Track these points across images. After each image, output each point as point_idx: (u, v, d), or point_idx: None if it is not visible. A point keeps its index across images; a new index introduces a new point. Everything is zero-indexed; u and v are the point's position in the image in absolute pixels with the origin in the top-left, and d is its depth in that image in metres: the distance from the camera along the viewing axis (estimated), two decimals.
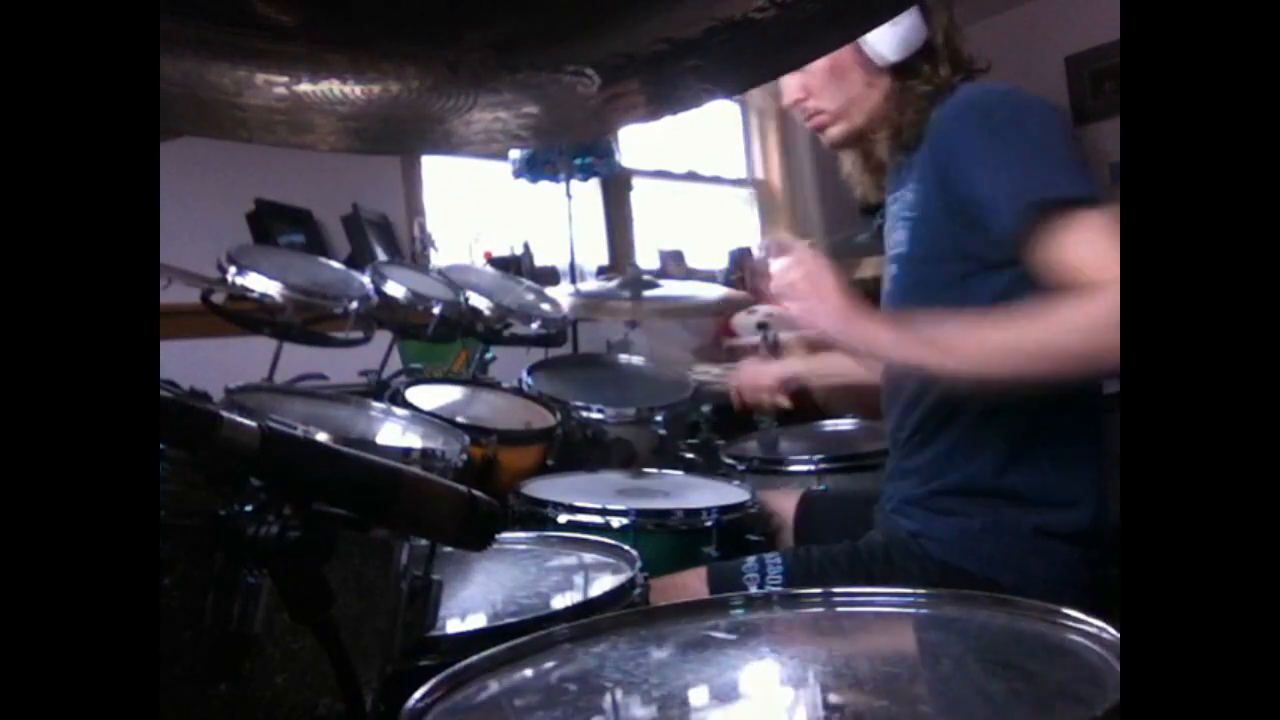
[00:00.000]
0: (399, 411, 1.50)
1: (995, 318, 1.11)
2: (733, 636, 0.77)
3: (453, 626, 0.91)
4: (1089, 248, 1.07)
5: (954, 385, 1.19)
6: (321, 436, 1.09)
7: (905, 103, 1.31)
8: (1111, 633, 0.64)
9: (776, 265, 1.26)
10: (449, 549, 0.70)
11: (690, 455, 1.94)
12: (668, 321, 3.19)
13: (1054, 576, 1.19)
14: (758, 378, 1.85)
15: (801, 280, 1.23)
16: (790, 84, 1.40)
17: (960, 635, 0.74)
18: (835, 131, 1.39)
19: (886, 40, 1.29)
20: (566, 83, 0.55)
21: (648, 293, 2.28)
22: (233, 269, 1.65)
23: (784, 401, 1.83)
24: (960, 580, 1.19)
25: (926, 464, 1.30)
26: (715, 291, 2.53)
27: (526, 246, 3.27)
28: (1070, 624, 0.69)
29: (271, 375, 1.70)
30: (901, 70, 1.31)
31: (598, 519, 1.37)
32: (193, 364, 1.62)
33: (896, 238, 1.32)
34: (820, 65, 1.34)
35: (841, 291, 1.21)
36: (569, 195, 3.00)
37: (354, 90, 0.55)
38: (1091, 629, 0.67)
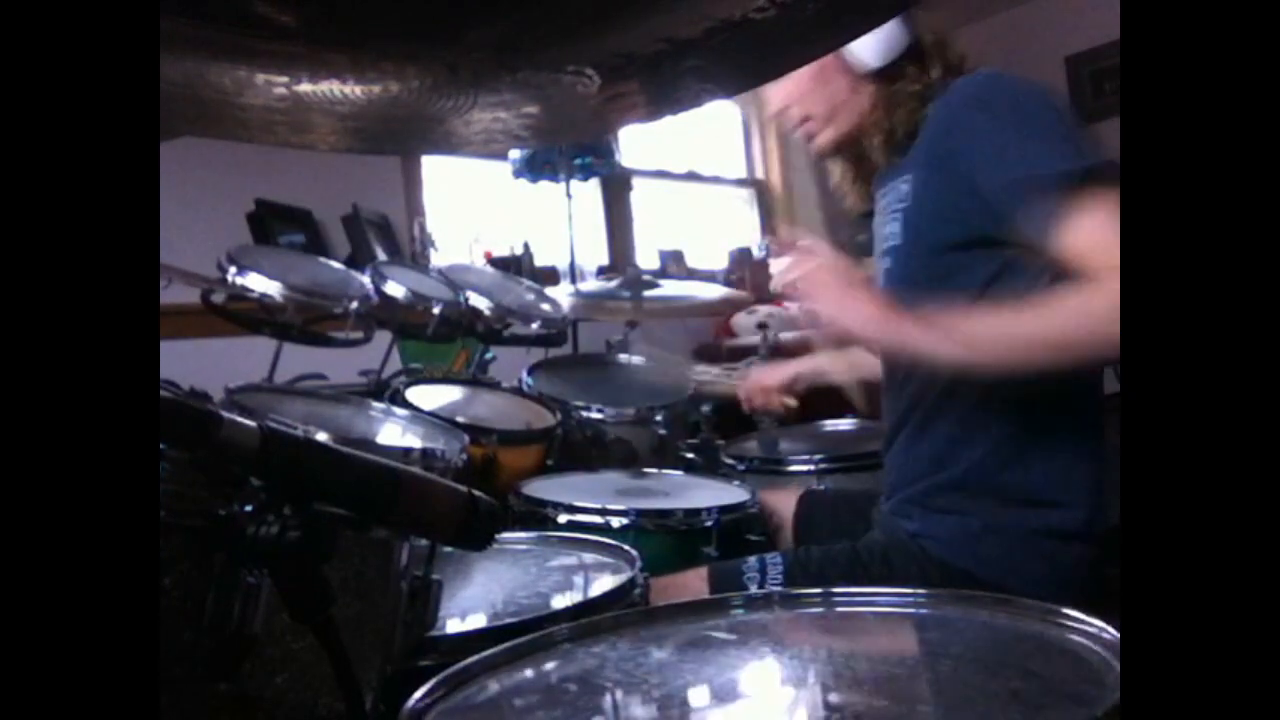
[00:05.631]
0: (399, 411, 1.50)
1: (1005, 307, 1.11)
2: (733, 636, 0.77)
3: (453, 626, 0.91)
4: (1090, 235, 1.07)
5: (956, 377, 1.19)
6: (321, 436, 1.08)
7: (895, 104, 1.30)
8: (1111, 633, 0.64)
9: (779, 264, 1.26)
10: (449, 549, 0.70)
11: (690, 455, 1.94)
12: (667, 321, 3.19)
13: (1053, 576, 1.19)
14: (764, 381, 1.86)
15: (819, 276, 1.21)
16: (774, 94, 1.39)
17: (960, 635, 0.74)
18: (824, 138, 1.39)
19: (868, 47, 1.29)
20: (566, 83, 0.55)
21: (648, 293, 2.28)
22: (233, 269, 1.65)
23: (791, 403, 1.84)
24: (960, 580, 1.19)
25: (925, 457, 1.29)
26: (715, 291, 2.53)
27: (526, 246, 3.27)
28: (1070, 624, 0.68)
29: (271, 375, 1.71)
30: (887, 74, 1.31)
31: (598, 519, 1.37)
32: (193, 364, 1.61)
33: (889, 230, 1.32)
34: (804, 73, 1.33)
35: (861, 285, 1.20)
36: (569, 195, 3.00)
37: (354, 90, 0.55)
38: (1091, 629, 0.67)
